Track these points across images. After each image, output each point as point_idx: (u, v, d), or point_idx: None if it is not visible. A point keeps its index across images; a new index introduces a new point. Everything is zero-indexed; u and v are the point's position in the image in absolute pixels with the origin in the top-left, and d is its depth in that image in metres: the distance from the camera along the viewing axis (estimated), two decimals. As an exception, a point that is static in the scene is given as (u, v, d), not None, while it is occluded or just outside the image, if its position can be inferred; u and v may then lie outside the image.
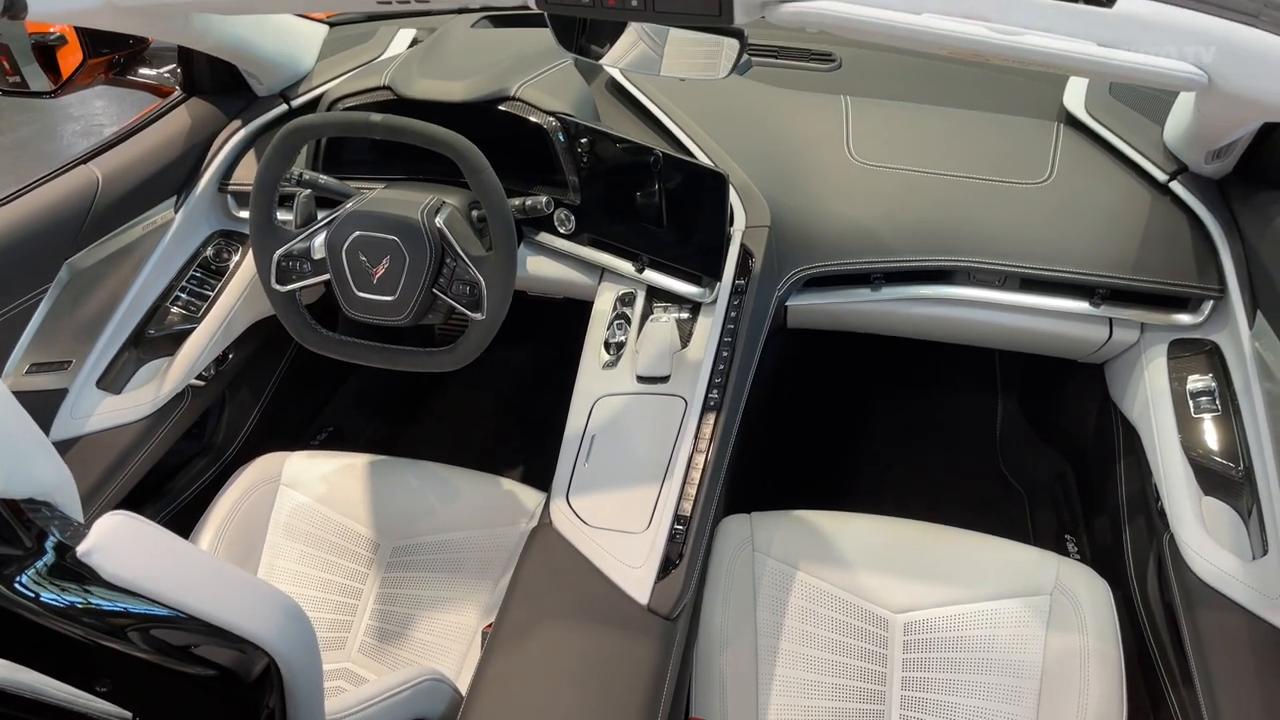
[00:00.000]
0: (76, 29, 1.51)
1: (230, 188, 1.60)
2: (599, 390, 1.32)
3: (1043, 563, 1.27)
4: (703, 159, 1.43)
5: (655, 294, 1.42)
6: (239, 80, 1.59)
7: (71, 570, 0.61)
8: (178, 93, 1.62)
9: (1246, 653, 1.11)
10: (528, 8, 0.99)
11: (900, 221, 1.43)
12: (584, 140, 1.36)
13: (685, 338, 1.35)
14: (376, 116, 1.19)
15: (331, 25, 1.75)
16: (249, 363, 1.76)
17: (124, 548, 0.63)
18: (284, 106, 1.62)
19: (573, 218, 1.43)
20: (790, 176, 1.48)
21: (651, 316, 1.39)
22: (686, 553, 1.15)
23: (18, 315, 1.36)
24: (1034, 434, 2.03)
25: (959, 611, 1.24)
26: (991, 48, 0.90)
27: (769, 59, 1.69)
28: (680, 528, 1.17)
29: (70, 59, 1.55)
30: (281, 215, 1.29)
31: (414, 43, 1.71)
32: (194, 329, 1.58)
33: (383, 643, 1.34)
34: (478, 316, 1.23)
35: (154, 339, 1.56)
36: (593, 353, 1.37)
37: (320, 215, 1.29)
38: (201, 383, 1.62)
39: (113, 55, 1.61)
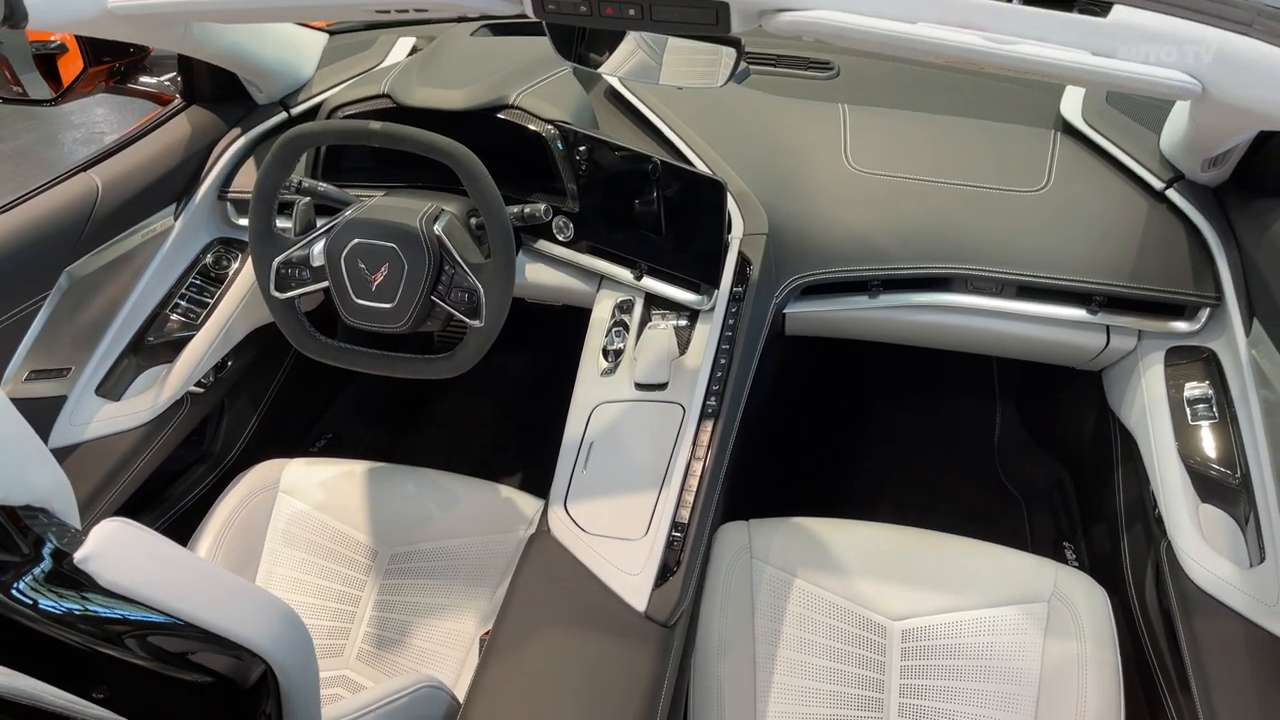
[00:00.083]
0: (77, 37, 1.51)
1: (230, 195, 1.61)
2: (597, 397, 1.32)
3: (1041, 570, 1.27)
4: (701, 167, 1.44)
5: (653, 301, 1.42)
6: (239, 88, 1.60)
7: (69, 577, 0.61)
8: (178, 101, 1.62)
9: (1244, 659, 1.11)
10: (526, 16, 0.99)
11: (898, 229, 1.43)
12: (582, 148, 1.36)
13: (683, 345, 1.36)
14: (376, 124, 1.20)
15: (331, 33, 1.75)
16: (248, 370, 1.76)
17: (121, 554, 0.63)
18: (283, 114, 1.62)
19: (571, 225, 1.43)
20: (788, 184, 1.48)
21: (650, 324, 1.39)
22: (684, 560, 1.16)
23: (17, 322, 1.36)
24: (1032, 441, 2.03)
25: (957, 619, 1.24)
26: (987, 56, 0.90)
27: (767, 67, 1.70)
28: (678, 535, 1.17)
29: (71, 67, 1.56)
30: (281, 223, 1.30)
31: (413, 51, 1.71)
32: (193, 336, 1.58)
33: (380, 650, 1.33)
34: (476, 324, 1.23)
35: (153, 346, 1.56)
36: (591, 360, 1.37)
37: (319, 223, 1.29)
38: (200, 390, 1.62)
39: (113, 63, 1.61)
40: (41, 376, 1.42)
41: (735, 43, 1.05)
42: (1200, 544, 1.21)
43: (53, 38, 1.54)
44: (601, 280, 1.47)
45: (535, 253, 1.49)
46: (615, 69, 1.15)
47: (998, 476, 2.03)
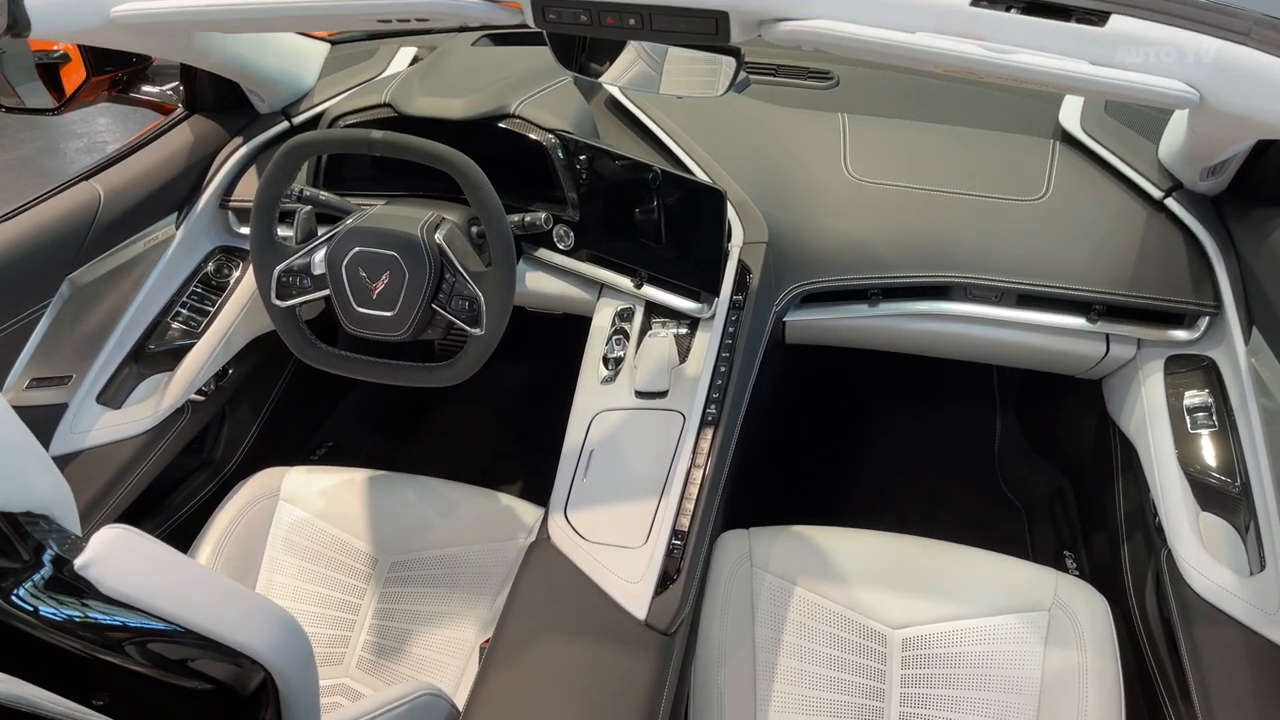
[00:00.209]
0: (80, 47, 1.52)
1: (231, 204, 1.61)
2: (597, 405, 1.32)
3: (1041, 578, 1.27)
4: (701, 175, 1.44)
5: (654, 309, 1.42)
6: (241, 97, 1.60)
7: (69, 584, 0.61)
8: (180, 110, 1.63)
9: (1244, 668, 1.11)
10: (527, 26, 1.00)
11: (897, 237, 1.44)
12: (583, 157, 1.37)
13: (683, 353, 1.36)
14: (377, 133, 1.20)
15: (333, 43, 1.76)
16: (249, 378, 1.76)
17: (121, 561, 0.63)
18: (285, 124, 1.63)
19: (572, 234, 1.43)
20: (788, 193, 1.49)
21: (650, 332, 1.39)
22: (684, 568, 1.15)
23: (19, 330, 1.37)
24: (1032, 450, 2.03)
25: (957, 627, 1.24)
26: (985, 66, 0.91)
27: (767, 77, 1.71)
28: (678, 543, 1.17)
29: (73, 76, 1.56)
30: (282, 231, 1.30)
31: (415, 60, 1.72)
32: (194, 344, 1.58)
33: (380, 658, 1.33)
34: (477, 332, 1.23)
35: (154, 354, 1.56)
36: (591, 368, 1.38)
37: (320, 231, 1.29)
38: (201, 398, 1.62)
39: (115, 73, 1.62)
40: (43, 384, 1.42)
41: (735, 52, 1.05)
42: (1200, 552, 1.21)
43: (55, 47, 1.54)
44: (602, 288, 1.47)
45: (536, 261, 1.50)
46: (616, 79, 1.16)
47: (998, 485, 2.03)
